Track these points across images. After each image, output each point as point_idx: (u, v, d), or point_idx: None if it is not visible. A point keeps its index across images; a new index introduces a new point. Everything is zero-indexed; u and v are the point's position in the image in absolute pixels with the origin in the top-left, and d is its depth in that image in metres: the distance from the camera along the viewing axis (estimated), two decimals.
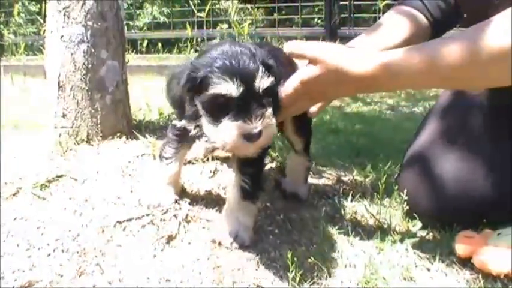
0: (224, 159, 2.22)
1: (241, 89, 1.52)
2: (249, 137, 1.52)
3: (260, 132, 1.52)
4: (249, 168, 1.80)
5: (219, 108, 1.55)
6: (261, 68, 1.57)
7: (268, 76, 1.58)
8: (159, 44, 8.59)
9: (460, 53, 1.64)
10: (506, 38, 1.57)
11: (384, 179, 2.16)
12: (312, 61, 1.80)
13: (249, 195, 1.80)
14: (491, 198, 2.02)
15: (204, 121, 1.61)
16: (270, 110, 1.58)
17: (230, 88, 1.52)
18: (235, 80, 1.52)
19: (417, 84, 1.86)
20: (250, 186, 1.79)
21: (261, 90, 1.56)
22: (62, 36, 2.26)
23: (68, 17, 2.25)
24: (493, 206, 2.02)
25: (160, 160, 1.92)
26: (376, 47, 2.10)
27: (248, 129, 1.51)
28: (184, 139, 1.87)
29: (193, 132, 1.76)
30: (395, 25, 2.27)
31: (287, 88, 1.83)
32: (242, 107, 1.53)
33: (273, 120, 1.59)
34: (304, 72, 1.81)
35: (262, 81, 1.56)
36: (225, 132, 1.53)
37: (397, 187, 2.17)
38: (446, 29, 2.47)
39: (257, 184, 1.83)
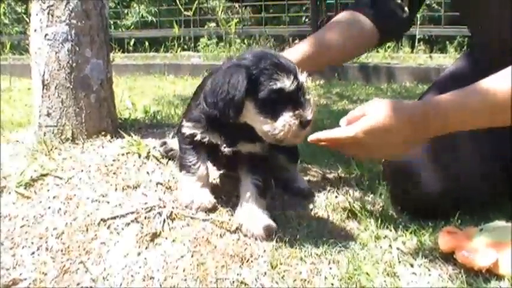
0: None
1: (296, 83, 1.71)
2: (304, 125, 1.72)
3: (311, 119, 1.73)
4: (259, 169, 1.92)
5: (275, 103, 1.72)
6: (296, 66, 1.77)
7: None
8: (146, 43, 8.58)
9: None
10: None
11: (368, 176, 2.18)
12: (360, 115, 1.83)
13: (262, 192, 1.92)
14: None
15: (259, 118, 1.74)
16: (313, 100, 1.78)
17: (287, 83, 1.70)
18: (291, 76, 1.71)
19: (468, 122, 1.81)
20: (262, 184, 1.92)
21: (304, 84, 1.76)
22: (46, 35, 2.25)
23: (52, 16, 2.24)
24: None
25: (186, 171, 1.93)
26: (320, 53, 2.25)
27: (304, 117, 1.71)
28: (197, 143, 1.92)
29: (198, 137, 1.88)
30: (342, 32, 2.32)
31: (347, 132, 1.83)
32: (296, 99, 1.72)
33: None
34: (361, 123, 1.81)
35: (303, 76, 1.76)
36: (287, 123, 1.70)
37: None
38: (394, 34, 2.51)
39: (265, 182, 1.96)
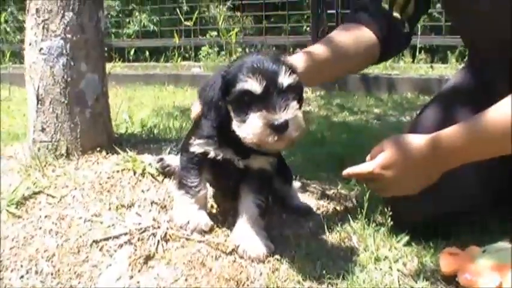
0: None
1: (264, 84, 1.64)
2: (276, 128, 1.60)
3: (286, 122, 1.61)
4: (263, 189, 1.90)
5: (246, 105, 1.66)
6: (284, 68, 1.69)
7: (291, 74, 1.69)
8: (147, 52, 8.57)
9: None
10: None
11: (369, 193, 2.13)
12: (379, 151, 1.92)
13: (263, 213, 1.89)
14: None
15: (234, 122, 1.70)
16: (295, 103, 1.67)
17: (253, 84, 1.64)
18: (258, 77, 1.64)
19: (473, 156, 1.84)
20: (264, 205, 1.90)
21: (284, 87, 1.66)
22: (41, 49, 2.22)
23: (47, 30, 2.21)
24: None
25: (185, 191, 1.89)
26: (323, 65, 2.17)
27: (272, 119, 1.60)
28: (203, 163, 1.89)
29: (212, 154, 1.84)
30: (344, 42, 2.24)
31: (367, 167, 1.93)
32: (266, 101, 1.63)
33: (300, 113, 1.68)
34: (378, 158, 1.91)
35: (285, 79, 1.67)
36: (252, 125, 1.63)
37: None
38: (395, 49, 2.45)
39: (267, 202, 1.94)
